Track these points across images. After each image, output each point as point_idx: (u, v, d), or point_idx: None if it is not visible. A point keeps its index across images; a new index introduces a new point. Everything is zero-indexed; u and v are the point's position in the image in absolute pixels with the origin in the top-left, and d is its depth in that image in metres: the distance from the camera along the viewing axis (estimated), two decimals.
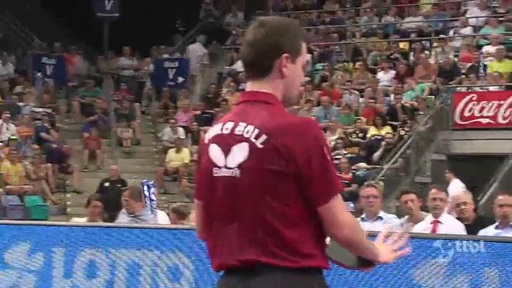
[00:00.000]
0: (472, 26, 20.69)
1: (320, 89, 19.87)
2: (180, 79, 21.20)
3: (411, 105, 18.16)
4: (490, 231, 7.63)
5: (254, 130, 2.99)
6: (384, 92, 19.14)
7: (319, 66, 21.36)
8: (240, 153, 3.00)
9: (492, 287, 6.13)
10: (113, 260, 7.80)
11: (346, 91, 19.35)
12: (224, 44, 23.58)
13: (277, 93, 3.08)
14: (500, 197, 7.91)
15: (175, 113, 20.68)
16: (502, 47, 18.78)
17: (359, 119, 18.09)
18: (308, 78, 20.60)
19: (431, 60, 19.62)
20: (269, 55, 3.07)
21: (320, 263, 3.02)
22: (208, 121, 20.13)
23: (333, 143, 17.44)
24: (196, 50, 22.93)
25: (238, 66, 22.04)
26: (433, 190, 8.05)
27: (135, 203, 8.85)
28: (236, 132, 3.03)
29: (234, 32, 23.55)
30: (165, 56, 22.84)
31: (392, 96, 18.67)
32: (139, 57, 23.24)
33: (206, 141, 3.14)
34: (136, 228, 8.00)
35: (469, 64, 18.93)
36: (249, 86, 3.13)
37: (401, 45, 21.21)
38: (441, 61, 19.37)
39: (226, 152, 3.04)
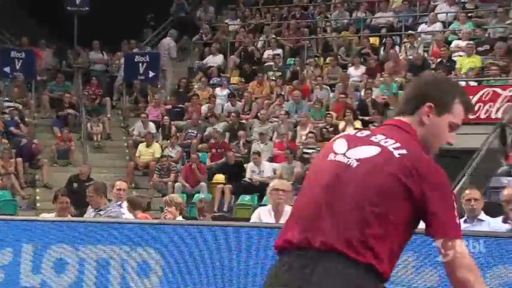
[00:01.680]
0: (441, 21, 20.81)
1: (291, 84, 19.89)
2: (151, 73, 21.11)
3: (382, 99, 18.25)
4: None
5: (395, 143, 3.08)
6: (355, 87, 19.21)
7: (290, 61, 21.38)
8: (367, 151, 3.09)
9: None
10: (81, 255, 7.77)
11: (317, 86, 19.38)
12: (194, 39, 23.51)
13: (417, 135, 3.19)
14: (467, 192, 8.00)
15: (146, 107, 20.61)
16: (471, 42, 18.90)
17: (330, 113, 18.14)
18: (279, 73, 20.65)
19: (402, 56, 19.72)
20: (415, 100, 3.21)
21: (386, 271, 3.02)
22: (179, 115, 20.12)
23: (303, 137, 17.48)
24: (167, 44, 22.86)
25: (209, 60, 22.04)
26: None
27: (99, 198, 8.83)
28: (371, 139, 3.14)
29: (205, 26, 23.49)
30: (136, 50, 22.73)
31: (363, 91, 18.75)
32: (110, 52, 23.11)
33: (333, 139, 3.26)
34: (104, 223, 7.97)
35: (439, 59, 19.05)
36: (397, 117, 3.25)
37: (372, 40, 21.28)
38: (411, 56, 19.47)
39: (352, 146, 3.13)
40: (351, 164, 3.08)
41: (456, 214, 3.03)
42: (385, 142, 3.09)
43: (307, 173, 3.30)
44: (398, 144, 3.07)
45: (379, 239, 2.98)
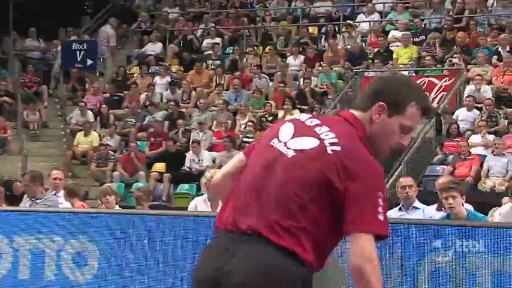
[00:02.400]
0: (379, 11, 21.01)
1: (230, 73, 19.89)
2: (89, 61, 20.87)
3: (321, 89, 18.37)
4: (393, 213, 7.81)
5: (334, 137, 3.11)
6: (294, 77, 19.30)
7: (229, 50, 21.37)
8: (306, 143, 3.14)
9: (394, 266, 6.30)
10: (15, 245, 7.68)
11: (256, 75, 19.42)
12: (133, 27, 23.34)
13: (366, 131, 3.21)
14: (401, 179, 8.13)
15: (84, 96, 20.39)
16: (407, 32, 19.13)
17: (269, 102, 18.20)
18: (218, 62, 20.63)
19: (340, 45, 19.86)
20: (369, 96, 3.25)
21: (309, 259, 3.05)
22: (118, 104, 19.97)
23: (243, 126, 17.52)
24: (107, 33, 22.64)
25: (148, 49, 21.89)
26: None
27: (35, 186, 8.72)
28: (316, 130, 3.17)
29: (143, 14, 23.33)
30: (74, 38, 22.46)
31: (301, 80, 18.84)
32: (47, 39, 22.79)
33: (286, 118, 3.36)
34: (38, 211, 7.89)
35: (376, 49, 19.25)
36: (352, 110, 3.29)
37: (311, 30, 21.39)
38: (349, 46, 19.63)
39: (297, 135, 3.18)
40: (287, 154, 3.14)
41: (375, 212, 3.01)
42: (326, 135, 3.13)
43: (252, 149, 3.34)
44: (336, 140, 3.10)
45: (302, 228, 3.04)
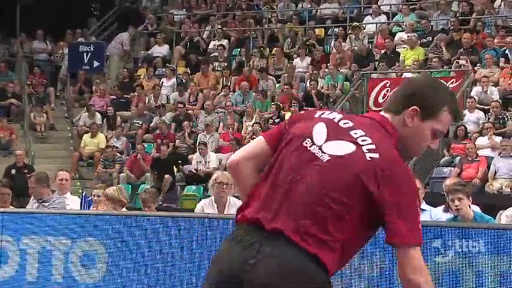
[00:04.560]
0: (385, 13, 21.00)
1: (236, 75, 19.89)
2: (96, 63, 20.91)
3: (327, 90, 18.36)
4: None
5: (371, 143, 3.07)
6: (300, 78, 19.29)
7: (235, 51, 21.38)
8: (342, 148, 3.09)
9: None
10: (23, 247, 7.70)
11: (262, 77, 19.40)
12: (140, 29, 23.37)
13: (399, 134, 3.19)
14: None
15: (91, 97, 20.43)
16: (414, 34, 19.11)
17: (277, 104, 18.20)
18: (224, 64, 20.63)
19: (346, 47, 19.85)
20: (403, 99, 3.20)
21: (331, 266, 3.05)
22: (125, 106, 20.00)
23: (249, 128, 17.51)
24: (122, 38, 22.63)
25: (154, 51, 21.91)
26: None
27: (41, 188, 8.72)
28: (351, 133, 3.12)
29: (150, 16, 23.36)
30: (80, 39, 22.51)
31: (308, 82, 18.84)
32: (54, 41, 22.84)
33: (316, 115, 3.22)
34: (46, 214, 7.90)
35: (383, 51, 19.23)
36: (383, 113, 3.24)
37: (317, 31, 21.38)
38: (356, 48, 19.62)
39: (331, 138, 3.12)
40: (322, 158, 3.09)
41: (416, 222, 3.03)
42: (363, 141, 3.08)
43: (283, 140, 3.23)
44: (373, 146, 3.06)
45: (330, 235, 3.02)
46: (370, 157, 3.04)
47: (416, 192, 3.09)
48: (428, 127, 3.19)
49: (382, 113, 3.26)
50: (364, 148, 3.07)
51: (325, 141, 3.13)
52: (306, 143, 3.14)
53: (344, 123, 3.17)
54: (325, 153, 3.10)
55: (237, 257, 3.05)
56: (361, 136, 3.10)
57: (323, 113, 3.24)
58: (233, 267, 3.04)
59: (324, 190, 3.03)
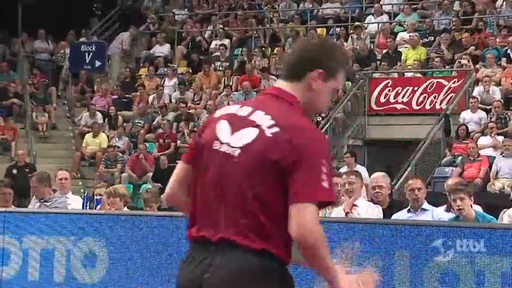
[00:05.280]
0: (387, 13, 20.99)
1: (238, 75, 19.88)
2: (98, 63, 20.91)
3: None
4: (402, 215, 7.81)
5: (270, 119, 3.13)
6: None
7: (237, 51, 21.37)
8: (246, 135, 3.14)
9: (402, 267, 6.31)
10: (25, 247, 7.70)
11: (264, 77, 19.39)
12: (141, 29, 23.36)
13: (301, 100, 3.24)
14: (410, 181, 8.11)
15: (93, 97, 20.43)
16: (416, 34, 19.10)
17: None
18: (226, 64, 20.63)
19: (348, 47, 19.82)
20: (304, 65, 3.25)
21: (282, 253, 3.11)
22: (126, 106, 20.01)
23: None
24: (123, 37, 22.63)
25: (156, 50, 21.91)
26: (344, 175, 8.24)
27: (43, 188, 8.72)
28: (251, 118, 3.18)
29: (151, 16, 23.35)
30: (82, 39, 22.51)
31: None
32: (55, 41, 22.84)
33: (217, 115, 3.28)
34: (48, 213, 7.90)
35: (385, 50, 19.22)
36: (278, 84, 3.29)
37: (319, 31, 21.36)
38: (357, 47, 19.60)
39: (235, 130, 3.17)
40: (234, 154, 3.14)
41: (322, 179, 3.04)
42: (262, 121, 3.14)
43: (199, 139, 3.30)
44: (272, 122, 3.12)
45: (267, 225, 3.07)
46: (271, 133, 3.10)
47: (321, 149, 3.10)
48: (329, 87, 3.28)
49: (277, 83, 3.31)
50: (264, 126, 3.12)
51: (231, 136, 3.18)
52: (216, 146, 3.20)
53: (243, 112, 3.22)
54: (234, 147, 3.16)
55: (191, 275, 3.16)
56: (261, 117, 3.16)
57: (223, 110, 3.32)
58: (189, 286, 3.16)
59: (246, 183, 3.09)
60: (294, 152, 3.05)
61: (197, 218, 3.23)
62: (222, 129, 3.21)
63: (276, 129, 3.10)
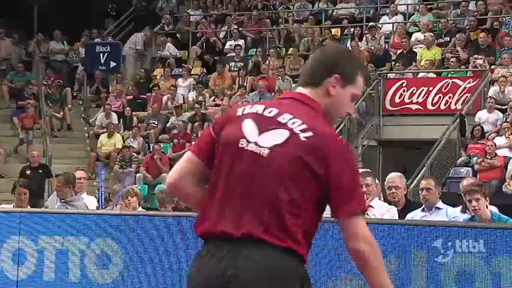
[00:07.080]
0: (402, 13, 20.94)
1: (253, 75, 19.88)
2: (112, 63, 20.98)
3: None
4: (417, 214, 7.78)
5: (301, 124, 3.15)
6: None
7: (251, 52, 21.37)
8: (276, 137, 3.15)
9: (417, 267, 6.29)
10: (41, 247, 7.73)
11: (279, 77, 19.40)
12: (156, 29, 23.40)
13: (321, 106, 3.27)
14: (423, 181, 8.08)
15: (108, 98, 20.49)
16: (431, 34, 19.04)
17: None
18: (240, 64, 20.63)
19: (363, 47, 19.80)
20: (321, 71, 3.29)
21: (304, 252, 3.15)
22: (141, 106, 20.04)
23: None
24: (137, 38, 22.67)
25: (170, 51, 21.93)
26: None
27: (67, 188, 8.83)
28: (279, 119, 3.19)
29: (166, 16, 23.38)
30: (97, 40, 22.57)
31: None
32: (71, 41, 22.92)
33: (239, 113, 3.25)
34: (63, 213, 7.94)
35: (400, 51, 19.18)
36: (300, 89, 3.31)
37: (334, 31, 21.34)
38: (372, 48, 19.57)
39: (263, 130, 3.18)
40: (262, 153, 3.15)
41: (357, 191, 3.15)
42: (293, 123, 3.17)
43: (218, 150, 3.25)
44: (304, 126, 3.15)
45: (294, 223, 3.10)
46: (304, 137, 3.13)
47: (352, 158, 3.21)
48: (348, 93, 3.30)
49: (299, 89, 3.33)
50: (297, 130, 3.15)
51: (259, 136, 3.18)
52: (242, 144, 3.19)
53: (269, 112, 3.23)
54: (263, 147, 3.16)
55: (213, 271, 3.11)
56: (290, 119, 3.18)
57: (245, 109, 3.29)
58: (211, 282, 3.11)
59: (275, 182, 3.11)
60: (331, 160, 3.10)
61: (210, 213, 3.19)
62: (249, 127, 3.21)
63: (309, 134, 3.13)
